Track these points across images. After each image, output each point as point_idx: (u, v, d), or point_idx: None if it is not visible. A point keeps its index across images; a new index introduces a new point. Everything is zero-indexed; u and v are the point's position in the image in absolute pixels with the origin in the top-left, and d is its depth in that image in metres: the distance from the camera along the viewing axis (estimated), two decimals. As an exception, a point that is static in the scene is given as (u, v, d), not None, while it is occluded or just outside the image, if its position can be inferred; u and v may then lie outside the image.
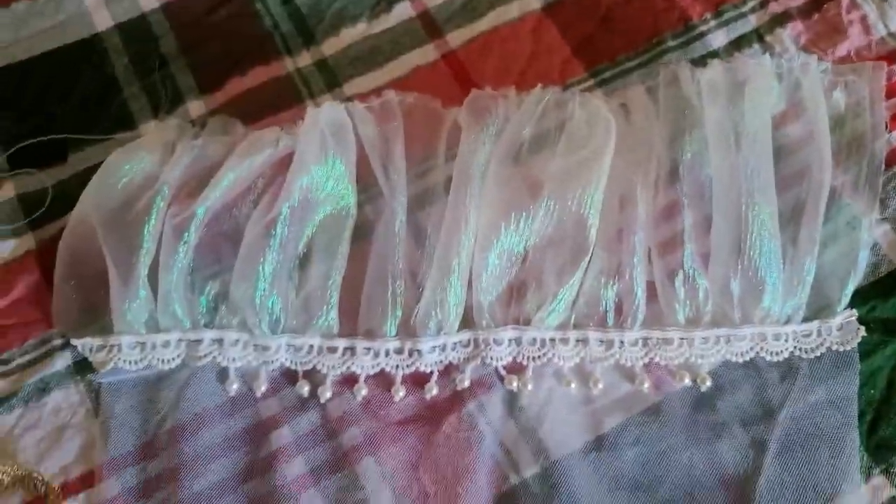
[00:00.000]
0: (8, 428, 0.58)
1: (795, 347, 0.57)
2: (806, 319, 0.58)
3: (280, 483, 0.55)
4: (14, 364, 0.60)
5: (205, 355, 0.58)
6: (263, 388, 0.58)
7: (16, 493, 0.56)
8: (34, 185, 0.66)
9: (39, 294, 0.62)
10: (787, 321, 0.58)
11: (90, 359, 0.59)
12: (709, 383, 0.57)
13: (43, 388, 0.59)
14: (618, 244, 0.59)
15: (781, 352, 0.57)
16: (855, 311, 0.58)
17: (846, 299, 0.58)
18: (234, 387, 0.58)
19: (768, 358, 0.57)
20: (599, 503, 0.54)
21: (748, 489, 0.54)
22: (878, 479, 0.55)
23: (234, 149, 0.63)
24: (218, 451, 0.56)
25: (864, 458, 0.55)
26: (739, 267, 0.57)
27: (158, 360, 0.58)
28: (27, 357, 0.60)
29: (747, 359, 0.57)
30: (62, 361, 0.60)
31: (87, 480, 0.56)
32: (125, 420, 0.57)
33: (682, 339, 0.58)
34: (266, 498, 0.55)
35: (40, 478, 0.56)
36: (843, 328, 0.58)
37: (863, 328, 0.57)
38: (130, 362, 0.58)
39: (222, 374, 0.59)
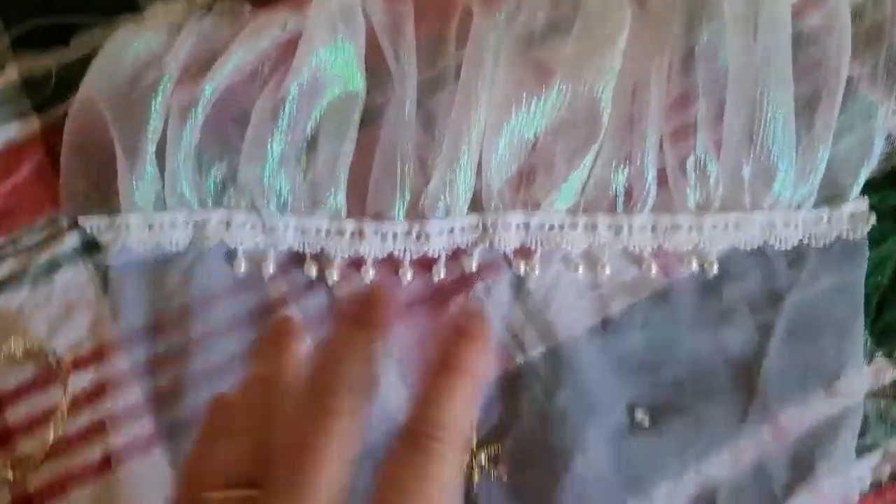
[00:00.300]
0: (18, 305, 0.58)
1: (805, 235, 0.57)
2: (817, 207, 0.58)
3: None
4: (22, 244, 0.60)
5: (213, 236, 0.58)
6: (271, 270, 0.58)
7: (28, 366, 0.57)
8: (38, 68, 0.65)
9: (46, 176, 0.61)
10: (798, 208, 0.57)
11: (98, 239, 0.59)
12: (716, 269, 0.57)
13: (51, 268, 0.59)
14: (629, 131, 0.58)
15: (791, 239, 0.57)
16: (867, 199, 0.58)
17: (858, 188, 0.58)
18: (242, 268, 0.58)
19: (777, 245, 0.57)
20: (605, 382, 0.55)
21: (753, 371, 0.55)
22: (881, 362, 0.55)
23: (241, 31, 0.62)
24: (226, 329, 0.57)
25: (868, 343, 0.55)
26: (752, 152, 0.56)
27: (166, 240, 0.58)
28: (35, 238, 0.60)
29: (756, 246, 0.57)
30: (70, 242, 0.60)
31: (98, 356, 0.57)
32: (134, 299, 0.58)
33: (691, 225, 0.57)
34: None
35: (52, 352, 0.56)
36: (853, 216, 0.57)
37: (874, 216, 0.57)
38: (138, 242, 0.58)
39: (230, 256, 0.59)
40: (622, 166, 0.58)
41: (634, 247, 0.58)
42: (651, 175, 0.57)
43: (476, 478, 0.53)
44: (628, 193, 0.58)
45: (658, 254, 0.58)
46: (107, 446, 0.55)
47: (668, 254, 0.58)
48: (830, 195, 0.58)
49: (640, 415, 0.54)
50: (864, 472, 0.53)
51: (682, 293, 0.57)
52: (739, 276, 0.57)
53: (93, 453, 0.55)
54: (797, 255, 0.57)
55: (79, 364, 0.57)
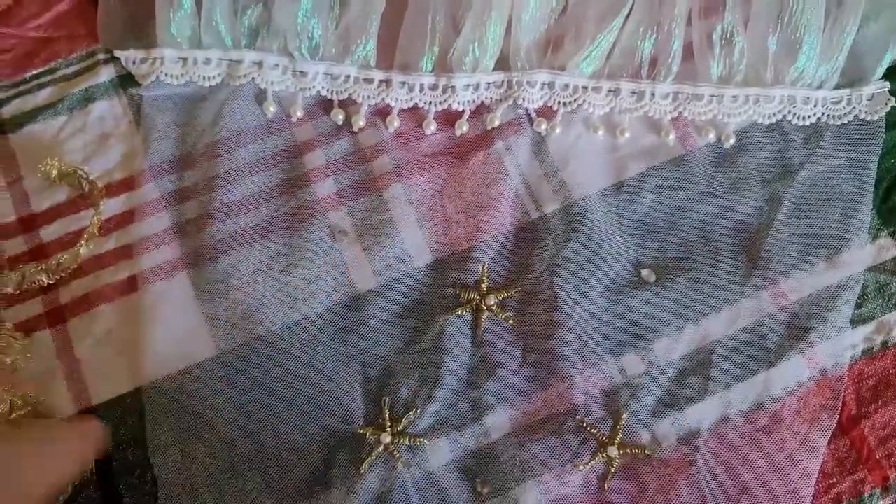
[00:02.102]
0: (55, 131, 0.60)
1: (823, 113, 0.58)
2: (838, 87, 0.58)
3: (311, 199, 0.58)
4: (59, 74, 0.62)
5: (244, 76, 0.60)
6: (300, 114, 0.60)
7: (62, 189, 0.59)
8: None
9: (84, 8, 0.63)
10: (820, 86, 0.58)
11: (133, 72, 0.61)
12: (732, 141, 0.58)
13: (88, 98, 0.61)
14: (660, 1, 0.59)
15: (809, 116, 0.58)
16: (887, 83, 0.58)
17: (881, 71, 0.58)
18: (271, 109, 0.60)
19: (795, 121, 0.58)
20: (614, 240, 0.57)
21: (759, 237, 0.56)
22: (885, 240, 0.57)
23: None
24: (253, 167, 0.59)
25: (874, 220, 0.57)
26: (779, 23, 0.57)
27: (199, 76, 0.60)
28: (73, 68, 0.62)
29: (774, 120, 0.58)
30: (106, 74, 0.61)
31: (129, 184, 0.59)
32: (165, 132, 0.60)
33: (712, 95, 0.59)
34: (297, 211, 0.57)
35: (86, 176, 0.58)
36: (873, 98, 0.58)
37: (893, 99, 0.58)
38: (172, 77, 0.60)
39: (260, 97, 0.60)
40: (650, 34, 0.59)
41: (655, 112, 0.59)
42: (677, 44, 0.58)
43: (483, 319, 0.55)
44: (653, 62, 0.59)
45: (677, 122, 0.59)
46: (133, 268, 0.57)
47: (687, 122, 0.59)
48: (852, 78, 0.59)
49: (646, 272, 0.56)
50: (856, 340, 0.55)
51: (697, 161, 0.58)
52: (755, 148, 0.58)
53: (120, 274, 0.57)
54: (814, 132, 0.58)
55: (111, 190, 0.59)
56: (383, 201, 0.58)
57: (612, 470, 0.53)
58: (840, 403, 0.54)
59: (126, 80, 0.61)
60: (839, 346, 0.55)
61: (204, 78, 0.60)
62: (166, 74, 0.60)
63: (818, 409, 0.54)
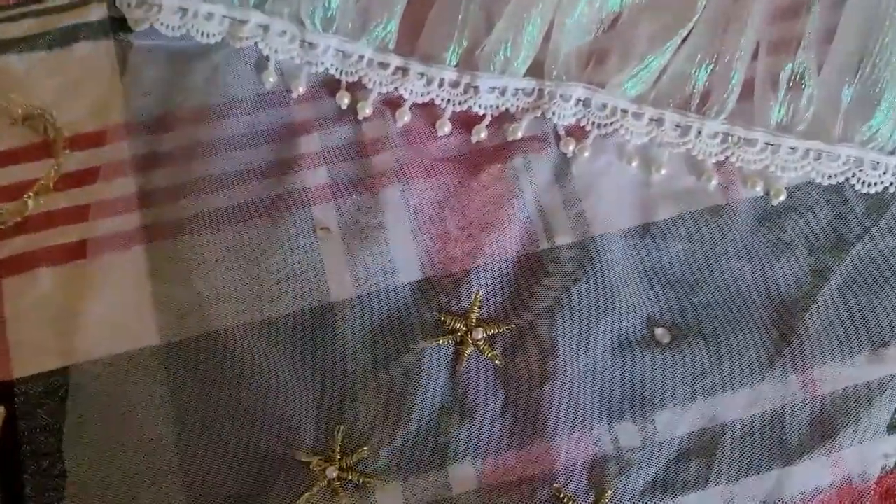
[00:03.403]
0: (28, 67, 0.54)
1: (892, 182, 0.51)
2: (913, 155, 0.51)
3: (298, 187, 0.51)
4: (47, 5, 0.55)
5: (247, 38, 0.53)
6: (301, 90, 0.53)
7: (24, 132, 0.53)
8: None
9: (82, -59, 0.57)
10: (893, 151, 0.51)
11: (127, 15, 0.54)
12: (783, 198, 0.51)
13: (72, 37, 0.54)
14: (725, 27, 0.52)
15: (876, 183, 0.51)
16: (968, 162, 0.51)
17: (963, 146, 0.51)
18: (271, 80, 0.53)
19: (858, 187, 0.51)
20: (629, 289, 0.50)
21: (796, 312, 0.49)
22: (940, 339, 0.49)
23: None
24: (240, 141, 0.52)
25: (930, 316, 0.49)
26: (859, 73, 0.50)
27: (198, 31, 0.53)
28: (62, 1, 0.55)
29: (835, 182, 0.51)
30: (97, 13, 0.55)
31: (98, 138, 0.52)
32: (151, 88, 0.53)
33: (767, 143, 0.51)
34: (280, 198, 0.51)
35: (52, 121, 0.52)
36: (951, 175, 0.51)
37: (974, 180, 0.51)
38: (168, 27, 0.53)
39: (261, 65, 0.54)
40: (707, 63, 0.52)
41: (699, 152, 0.51)
42: (737, 79, 0.51)
43: (466, 354, 0.48)
44: (706, 95, 0.52)
45: (722, 167, 0.52)
46: (85, 232, 0.50)
47: (734, 170, 0.52)
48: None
49: (661, 332, 0.49)
50: (891, 449, 0.48)
51: (739, 215, 0.51)
52: (807, 210, 0.51)
53: (69, 236, 0.50)
54: (877, 203, 0.51)
55: (77, 142, 0.52)
56: (377, 202, 0.51)
57: (586, 554, 0.45)
58: (862, 521, 0.46)
59: (117, 24, 0.55)
60: (871, 453, 0.47)
61: (203, 34, 0.53)
62: (162, 23, 0.53)
63: (835, 522, 0.46)
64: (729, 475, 0.47)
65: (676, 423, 0.47)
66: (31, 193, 0.50)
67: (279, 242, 0.50)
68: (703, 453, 0.47)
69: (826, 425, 0.47)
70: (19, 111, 0.52)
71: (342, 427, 0.47)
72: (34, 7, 0.55)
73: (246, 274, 0.49)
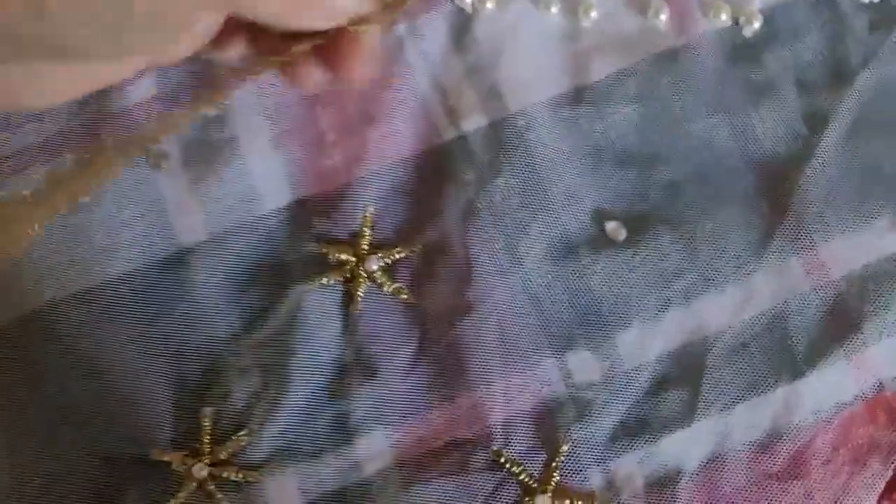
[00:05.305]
0: None
1: (903, -18, 0.38)
2: (928, -59, 0.38)
3: (119, 105, 0.39)
4: None
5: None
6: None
7: None
8: None
9: None
10: (899, -61, 0.37)
11: None
12: (757, 25, 0.38)
13: None
14: None
15: (880, -14, 0.38)
16: None
17: None
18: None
19: (857, -5, 0.38)
20: (568, 176, 0.38)
21: (789, 177, 0.37)
22: None
23: None
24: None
25: (973, 153, 0.37)
26: None
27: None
28: None
29: (825, -7, 0.38)
30: None
31: None
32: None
33: (729, -47, 0.38)
34: (97, 122, 0.39)
35: None
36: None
37: None
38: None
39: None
40: None
41: (638, -19, 0.38)
42: None
43: (360, 292, 0.37)
44: None
45: (673, -4, 0.39)
46: None
47: (688, -3, 0.39)
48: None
49: (613, 225, 0.37)
50: (932, 339, 0.36)
51: (702, 56, 0.38)
52: (791, 37, 0.38)
53: None
54: (884, 12, 0.38)
55: None
56: (224, 111, 0.39)
57: (544, 530, 0.34)
58: (902, 437, 0.35)
59: None
60: (905, 347, 0.36)
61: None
62: None
63: (867, 445, 0.35)
64: (721, 403, 0.35)
65: (646, 343, 0.36)
66: None
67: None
68: (685, 379, 0.36)
69: (843, 319, 0.36)
70: None
71: (210, 409, 0.36)
72: None
73: (65, 229, 0.38)
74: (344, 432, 0.36)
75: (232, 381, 0.36)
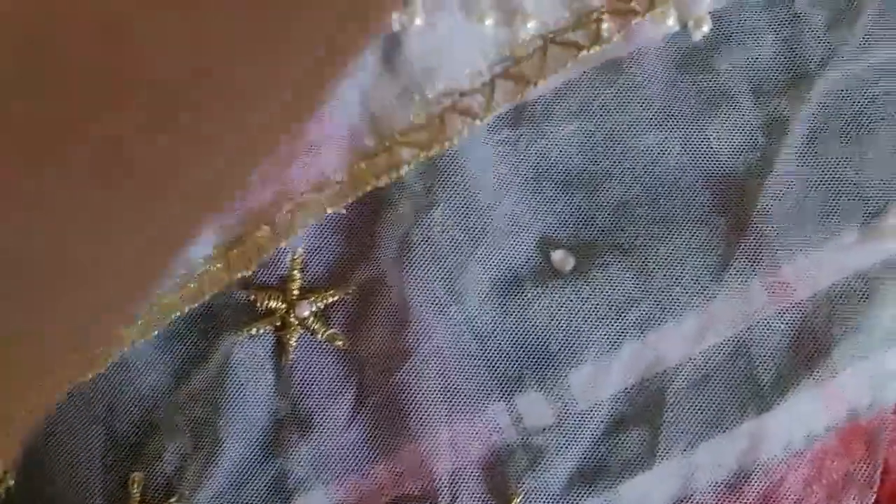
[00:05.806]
0: None
1: (862, -26, 0.35)
2: (888, -73, 0.35)
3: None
4: None
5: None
6: None
7: None
8: None
9: None
10: (856, -73, 0.35)
11: None
12: (707, 28, 0.35)
13: None
14: None
15: (837, -21, 0.35)
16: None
17: None
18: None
19: (813, -10, 0.35)
20: (509, 202, 0.35)
21: (749, 192, 0.34)
22: (961, 191, 0.34)
23: None
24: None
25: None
26: None
27: None
28: None
29: (777, -10, 0.35)
30: None
31: None
32: None
33: (672, -49, 0.35)
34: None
35: None
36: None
37: None
38: None
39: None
40: None
41: (576, -15, 0.36)
42: None
43: (292, 341, 0.34)
44: None
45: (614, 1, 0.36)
46: None
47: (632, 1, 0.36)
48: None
49: (559, 255, 0.34)
50: (907, 361, 0.33)
51: (649, 65, 0.35)
52: (744, 38, 0.35)
53: None
54: (846, 9, 0.35)
55: None
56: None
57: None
58: (880, 468, 0.33)
59: None
60: (879, 370, 0.33)
61: None
62: None
63: (842, 480, 0.33)
64: (684, 442, 0.33)
65: (601, 381, 0.34)
66: None
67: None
68: (643, 417, 0.33)
69: (810, 344, 0.33)
70: None
71: (139, 474, 0.34)
72: None
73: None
74: (283, 493, 0.34)
75: (161, 442, 0.34)
